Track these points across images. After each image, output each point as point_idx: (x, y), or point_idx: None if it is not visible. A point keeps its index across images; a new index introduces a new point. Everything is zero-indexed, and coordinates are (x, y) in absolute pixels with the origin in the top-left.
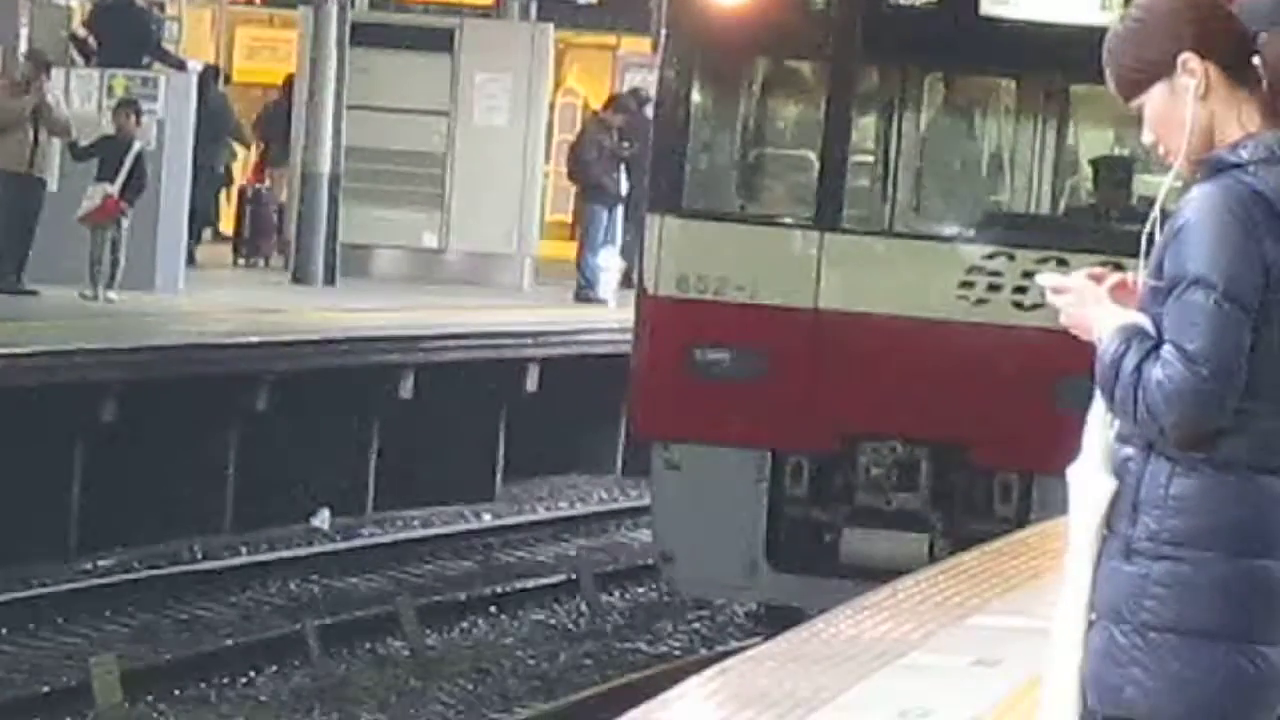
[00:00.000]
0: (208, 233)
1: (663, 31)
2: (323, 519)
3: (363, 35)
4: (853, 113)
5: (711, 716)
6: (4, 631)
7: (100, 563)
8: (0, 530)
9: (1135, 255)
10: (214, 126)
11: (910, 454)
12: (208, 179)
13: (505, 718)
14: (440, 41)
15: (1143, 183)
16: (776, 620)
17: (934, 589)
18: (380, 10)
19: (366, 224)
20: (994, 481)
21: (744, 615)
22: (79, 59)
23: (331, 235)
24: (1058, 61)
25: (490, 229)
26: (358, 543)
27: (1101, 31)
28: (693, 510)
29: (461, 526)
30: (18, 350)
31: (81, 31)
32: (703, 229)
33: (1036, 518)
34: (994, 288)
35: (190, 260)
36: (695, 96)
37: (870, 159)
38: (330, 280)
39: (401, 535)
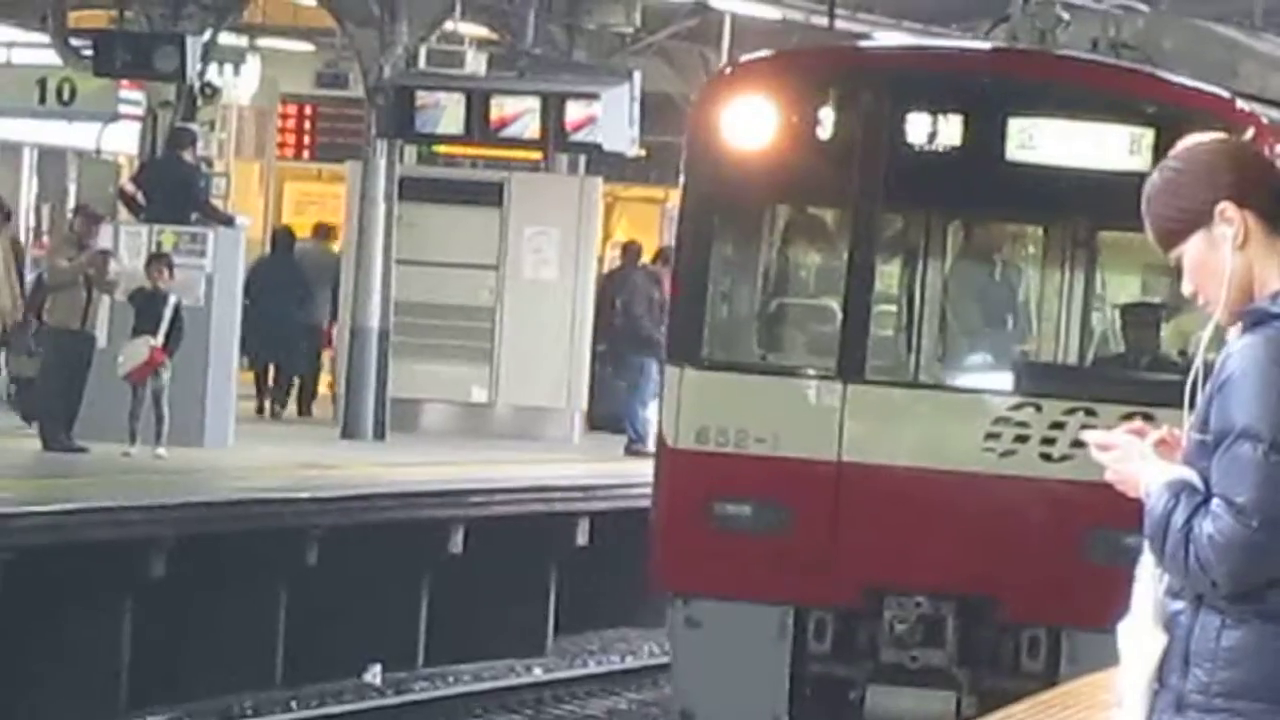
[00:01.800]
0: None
1: (680, 178)
2: (374, 674)
3: (411, 189)
4: (876, 260)
5: None
6: None
7: (150, 717)
8: (51, 687)
9: (1164, 404)
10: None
11: (935, 609)
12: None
13: None
14: (489, 195)
15: (1172, 331)
16: None
17: None
18: (428, 164)
19: (415, 378)
20: (1022, 636)
21: None
22: (128, 214)
23: (380, 390)
24: (1085, 208)
25: (540, 382)
26: (410, 697)
27: (1129, 177)
28: (713, 667)
29: (513, 681)
30: (68, 507)
31: (129, 187)
32: (723, 380)
33: (1066, 673)
34: (1021, 439)
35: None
36: (714, 245)
37: (894, 308)
38: (380, 435)
39: (453, 690)
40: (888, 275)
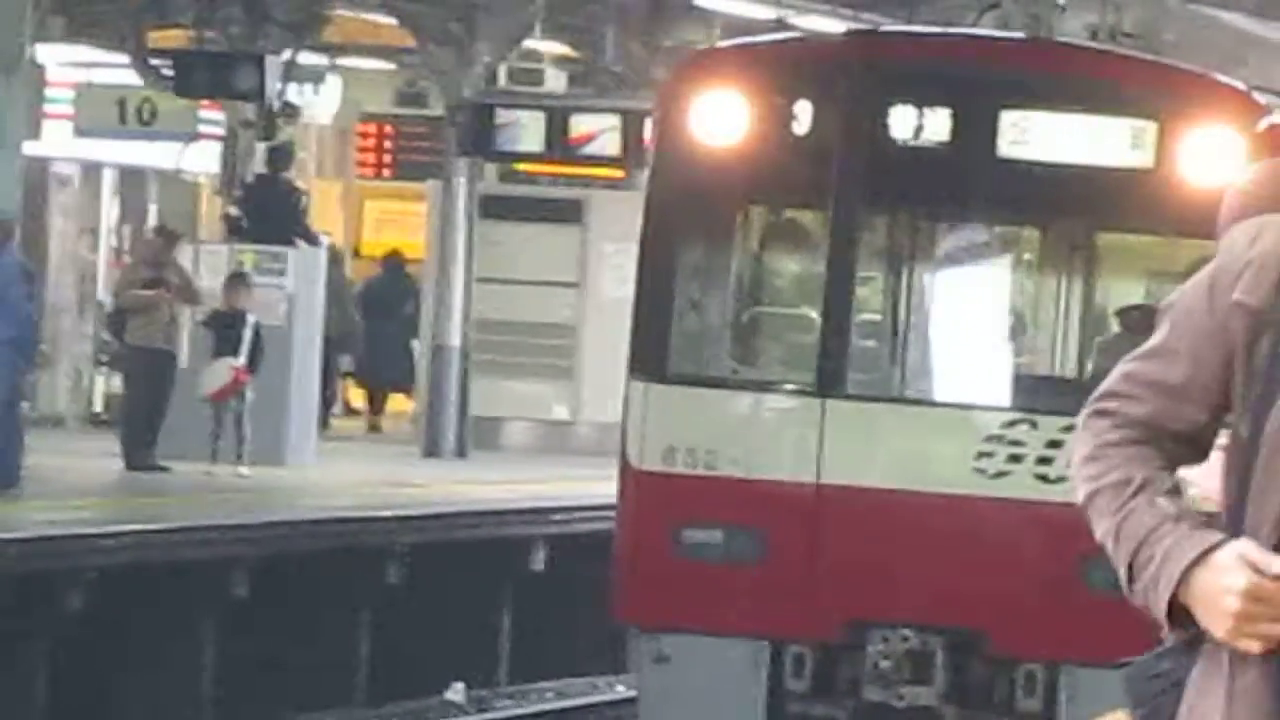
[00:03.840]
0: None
1: (646, 176)
2: (456, 691)
3: (491, 207)
4: (857, 266)
5: None
6: None
7: None
8: (137, 707)
9: None
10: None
11: (923, 642)
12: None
13: None
14: (569, 213)
15: None
16: None
17: None
18: (509, 183)
19: (497, 396)
20: (1017, 672)
21: None
22: (233, 237)
23: (462, 408)
24: (1083, 207)
25: (621, 400)
26: (491, 715)
27: (1130, 174)
28: (683, 707)
29: (595, 698)
30: (151, 527)
31: (234, 211)
32: (691, 396)
33: (1066, 714)
34: (1015, 458)
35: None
36: (682, 248)
37: (877, 316)
38: (461, 453)
39: (535, 707)
40: (870, 282)
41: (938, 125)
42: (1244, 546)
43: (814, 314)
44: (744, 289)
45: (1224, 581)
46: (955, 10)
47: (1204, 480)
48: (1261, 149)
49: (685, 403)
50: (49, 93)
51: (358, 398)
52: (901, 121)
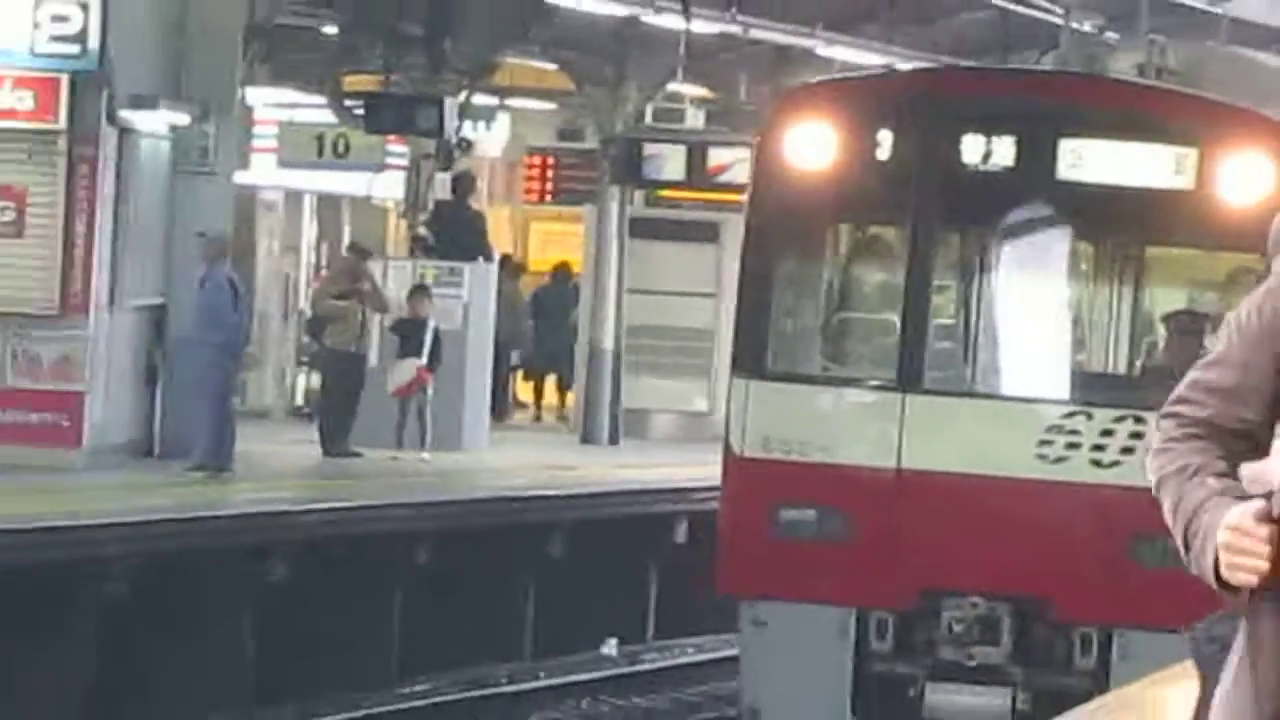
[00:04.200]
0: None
1: (747, 196)
2: (610, 647)
3: (639, 228)
4: (933, 276)
5: None
6: None
7: (417, 687)
8: (334, 660)
9: None
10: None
11: (991, 609)
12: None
13: None
14: (707, 233)
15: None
16: None
17: None
18: (654, 207)
19: (644, 391)
20: (1074, 635)
21: None
22: (421, 255)
23: (614, 402)
24: (1133, 224)
25: None
26: (641, 667)
27: (1175, 195)
28: (779, 666)
29: (730, 652)
30: (345, 505)
31: (423, 231)
32: (787, 391)
33: (1118, 671)
34: (1072, 446)
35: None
36: (779, 261)
37: (950, 321)
38: (614, 440)
39: (679, 660)
40: (944, 290)
41: (1003, 152)
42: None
43: (895, 318)
44: (833, 297)
45: (1221, 520)
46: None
47: (1265, 471)
48: None
49: (781, 397)
50: (256, 130)
51: (525, 392)
52: (971, 148)
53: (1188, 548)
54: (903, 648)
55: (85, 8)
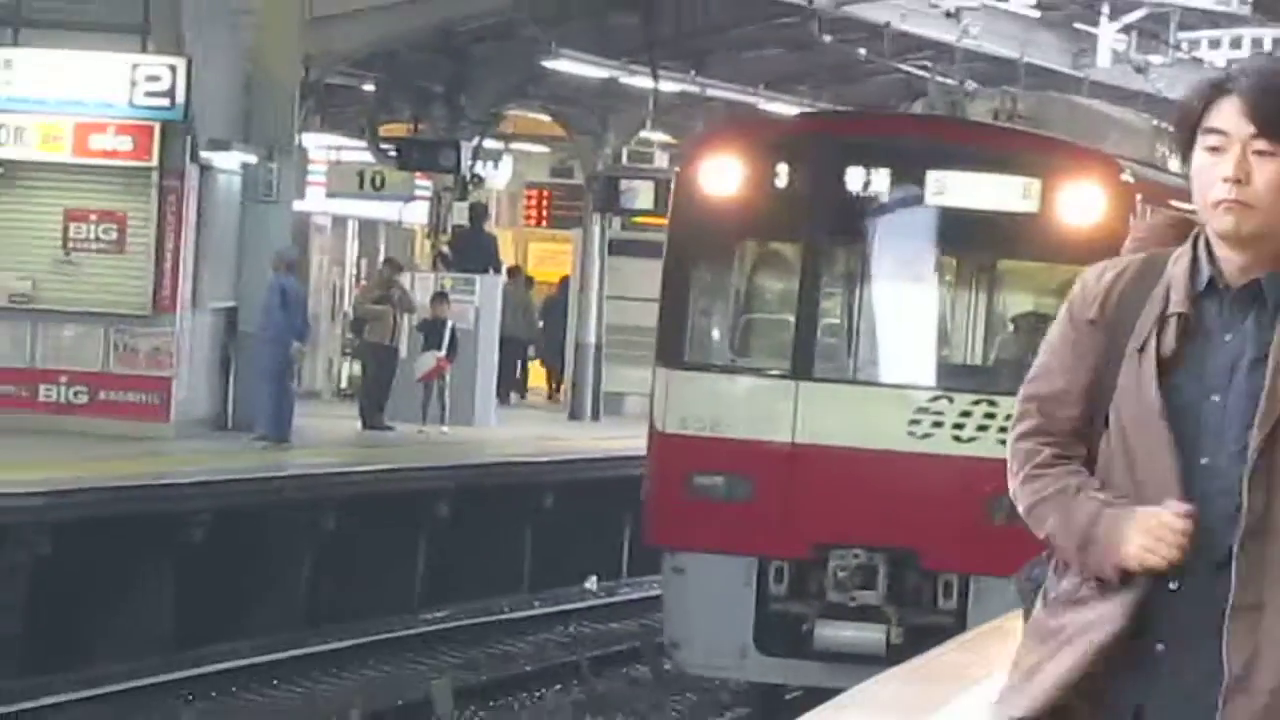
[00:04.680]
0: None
1: (667, 215)
2: (592, 583)
3: (617, 247)
4: (822, 283)
5: None
6: (371, 662)
7: (436, 614)
8: (371, 591)
9: None
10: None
11: (870, 559)
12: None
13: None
14: None
15: None
16: (761, 695)
17: None
18: (629, 230)
19: (620, 378)
20: (939, 581)
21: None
22: (443, 268)
23: (596, 386)
24: (987, 241)
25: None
26: (617, 599)
27: (1022, 217)
28: (695, 606)
29: None
30: (383, 468)
31: (445, 250)
32: (701, 379)
33: (973, 611)
34: (937, 424)
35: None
36: (694, 271)
37: (836, 321)
38: (596, 417)
39: (648, 593)
40: (831, 295)
41: (880, 181)
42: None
43: (790, 319)
44: (739, 300)
45: (1131, 521)
46: (872, 90)
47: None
48: (1117, 199)
49: (696, 384)
50: (310, 167)
51: (538, 379)
52: (853, 178)
53: (1084, 553)
54: (796, 591)
55: (174, 69)
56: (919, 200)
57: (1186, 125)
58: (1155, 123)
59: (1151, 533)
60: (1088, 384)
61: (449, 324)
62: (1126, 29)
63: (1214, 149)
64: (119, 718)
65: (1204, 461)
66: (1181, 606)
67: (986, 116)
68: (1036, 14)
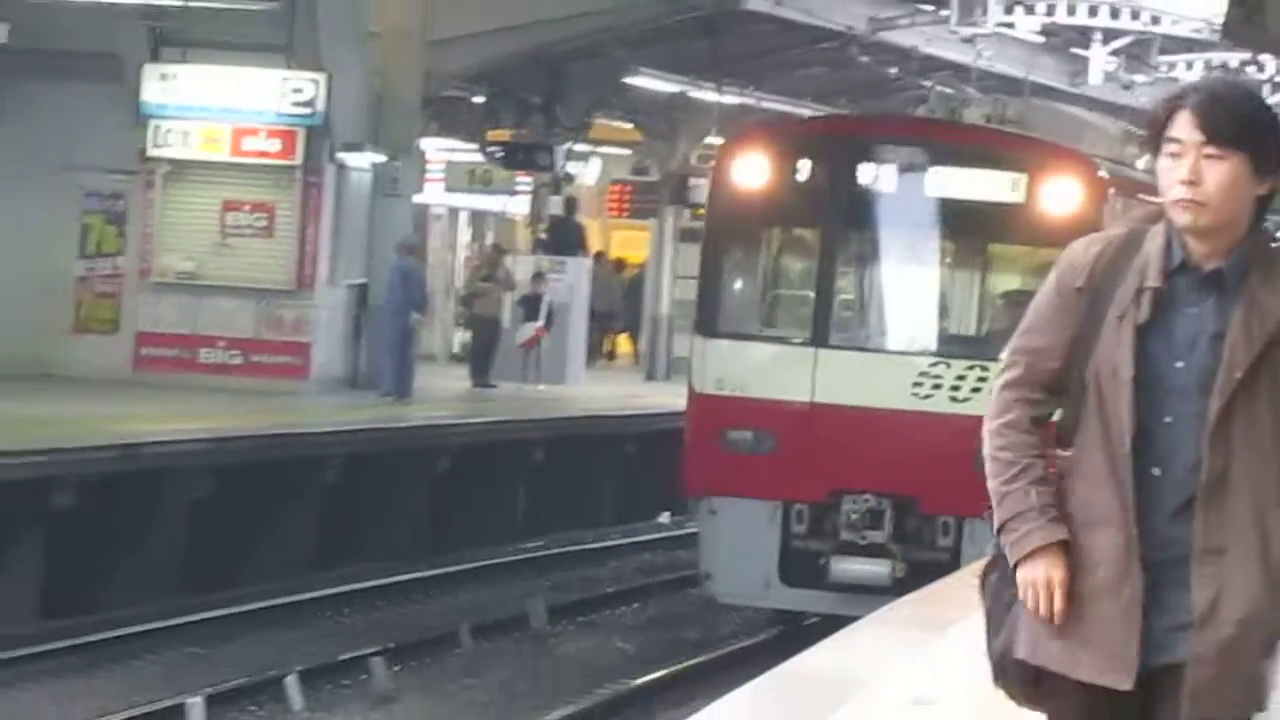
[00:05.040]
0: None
1: (705, 203)
2: (664, 517)
3: (685, 235)
4: (838, 264)
5: None
6: (478, 583)
7: (532, 543)
8: (479, 524)
9: None
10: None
11: (878, 504)
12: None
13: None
14: None
15: None
16: (784, 619)
17: None
18: (695, 220)
19: (688, 344)
20: (937, 523)
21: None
22: (540, 251)
23: (667, 351)
24: (980, 228)
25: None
26: (685, 531)
27: (1010, 207)
28: (726, 543)
29: None
30: (489, 420)
31: (543, 236)
32: (733, 346)
33: (966, 549)
34: (936, 386)
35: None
36: (728, 253)
37: (850, 296)
38: (667, 377)
39: None
40: (846, 274)
41: (888, 175)
42: (1053, 572)
43: (810, 294)
44: (766, 278)
45: (1029, 577)
46: (900, 103)
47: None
48: (1091, 191)
49: (729, 350)
50: (429, 167)
51: (625, 346)
52: (865, 173)
53: (1000, 531)
54: (815, 530)
55: (315, 83)
56: (921, 192)
57: (1153, 134)
58: (1124, 127)
59: (1035, 585)
60: (1069, 341)
61: (545, 299)
62: (1115, 52)
63: (1173, 155)
64: (271, 630)
65: (1167, 420)
66: (1146, 552)
67: (980, 120)
68: (1040, 39)
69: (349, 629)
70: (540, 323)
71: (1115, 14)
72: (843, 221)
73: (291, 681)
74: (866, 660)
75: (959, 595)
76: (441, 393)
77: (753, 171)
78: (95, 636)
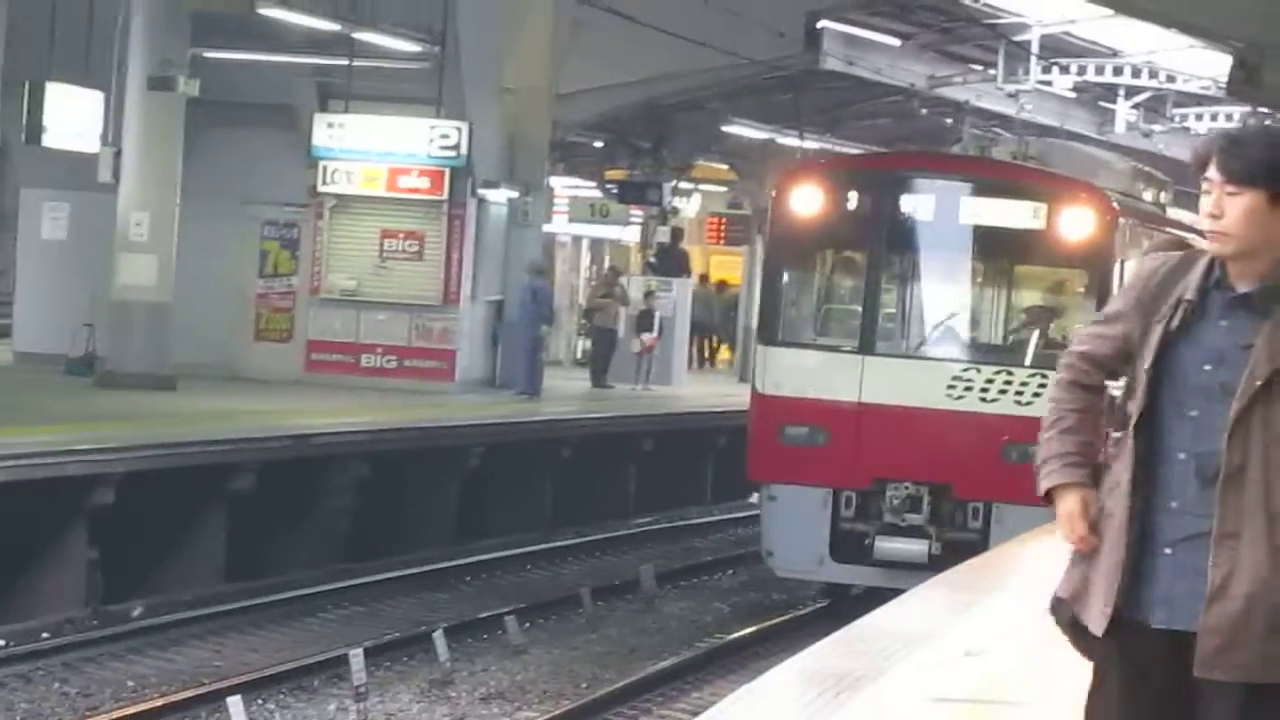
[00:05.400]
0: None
1: (765, 228)
2: (754, 498)
3: None
4: (882, 282)
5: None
6: (598, 555)
7: (643, 519)
8: (596, 502)
9: (1054, 369)
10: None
11: (917, 490)
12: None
13: None
14: None
15: (1055, 324)
16: (834, 592)
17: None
18: None
19: None
20: (968, 507)
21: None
22: (649, 273)
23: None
24: (1006, 251)
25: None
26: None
27: (1032, 233)
28: (784, 524)
29: None
30: (602, 415)
31: (653, 260)
32: (791, 353)
33: (994, 530)
34: (968, 388)
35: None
36: (786, 271)
37: (893, 310)
38: None
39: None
40: (889, 291)
41: (926, 205)
42: (1069, 505)
43: (858, 309)
44: (820, 294)
45: (1059, 512)
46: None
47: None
48: (1103, 219)
49: (787, 357)
50: (556, 201)
51: (725, 354)
52: (906, 202)
53: (1039, 464)
54: (861, 513)
55: (459, 130)
56: (955, 220)
57: (1195, 173)
58: (1133, 164)
59: (1061, 518)
60: (1121, 334)
61: (656, 314)
62: (1136, 106)
63: (1205, 191)
64: (421, 593)
65: (1192, 414)
66: (1182, 519)
67: (1006, 157)
68: (1072, 94)
69: (487, 591)
70: (654, 334)
71: (1136, 73)
72: (886, 245)
73: (438, 636)
74: (922, 620)
75: (997, 566)
76: (566, 392)
77: (808, 201)
78: (270, 598)
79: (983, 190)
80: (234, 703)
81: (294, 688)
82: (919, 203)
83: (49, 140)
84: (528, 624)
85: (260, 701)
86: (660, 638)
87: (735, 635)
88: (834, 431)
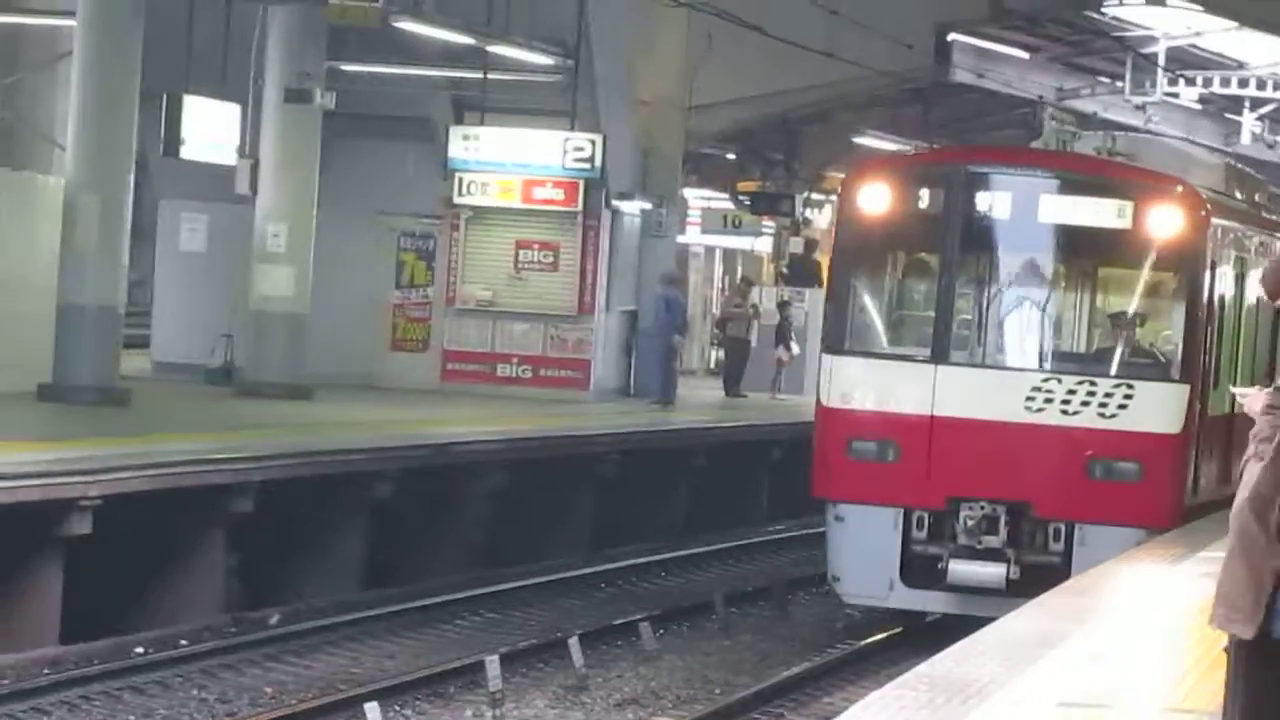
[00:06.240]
0: None
1: (834, 229)
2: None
3: None
4: (957, 286)
5: None
6: (731, 561)
7: (775, 526)
8: (726, 510)
9: (1139, 379)
10: None
11: (993, 510)
12: None
13: None
14: None
15: (1143, 331)
16: (906, 619)
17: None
18: None
19: None
20: (1049, 528)
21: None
22: (782, 283)
23: None
24: (1090, 252)
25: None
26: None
27: (1119, 232)
28: (852, 547)
29: None
30: (736, 424)
31: (785, 271)
32: (858, 363)
33: (1078, 553)
34: (1048, 400)
35: None
36: (855, 275)
37: (968, 317)
38: None
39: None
40: (964, 295)
41: (1003, 202)
42: None
43: (931, 314)
44: (890, 299)
45: None
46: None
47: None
48: (1193, 218)
49: (854, 367)
50: (689, 212)
51: None
52: (982, 201)
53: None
54: (934, 535)
55: (593, 143)
56: (1034, 219)
57: None
58: (1227, 161)
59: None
60: None
61: (792, 325)
62: (1261, 117)
63: None
64: (556, 600)
65: None
66: None
67: (1090, 152)
68: (1198, 106)
69: (621, 598)
70: (793, 350)
71: (1262, 85)
72: (960, 246)
73: (573, 642)
74: (1045, 628)
75: (1079, 604)
76: (699, 400)
77: (877, 200)
78: (407, 605)
79: (1064, 187)
80: (371, 709)
81: (430, 694)
82: (995, 200)
83: (187, 152)
84: (661, 630)
85: (397, 708)
86: (793, 643)
87: (867, 641)
88: (905, 446)
